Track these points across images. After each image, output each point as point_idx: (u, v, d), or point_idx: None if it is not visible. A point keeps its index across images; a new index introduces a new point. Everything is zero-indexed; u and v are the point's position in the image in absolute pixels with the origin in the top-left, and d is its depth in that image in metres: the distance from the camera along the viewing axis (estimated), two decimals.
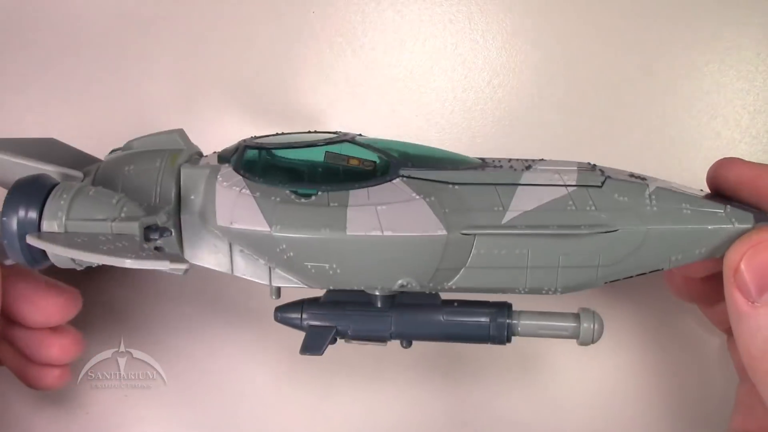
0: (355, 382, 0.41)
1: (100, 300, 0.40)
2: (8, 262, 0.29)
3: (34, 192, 0.26)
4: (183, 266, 0.26)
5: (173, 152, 0.30)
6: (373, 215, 0.27)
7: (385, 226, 0.26)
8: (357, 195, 0.27)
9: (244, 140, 0.29)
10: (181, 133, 0.31)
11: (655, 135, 0.41)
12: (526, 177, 0.28)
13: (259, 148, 0.29)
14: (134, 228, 0.26)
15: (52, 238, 0.26)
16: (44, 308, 0.32)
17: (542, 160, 0.31)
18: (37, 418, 0.40)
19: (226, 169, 0.29)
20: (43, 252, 0.27)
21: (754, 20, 0.41)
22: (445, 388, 0.40)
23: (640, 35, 0.41)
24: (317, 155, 0.29)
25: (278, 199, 0.27)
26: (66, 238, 0.26)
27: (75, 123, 0.39)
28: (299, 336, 0.31)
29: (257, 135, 0.30)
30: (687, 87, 0.41)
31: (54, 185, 0.27)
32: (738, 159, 0.29)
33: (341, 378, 0.41)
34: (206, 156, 0.31)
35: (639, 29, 0.41)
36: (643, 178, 0.30)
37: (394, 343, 0.31)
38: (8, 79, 0.40)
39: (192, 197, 0.29)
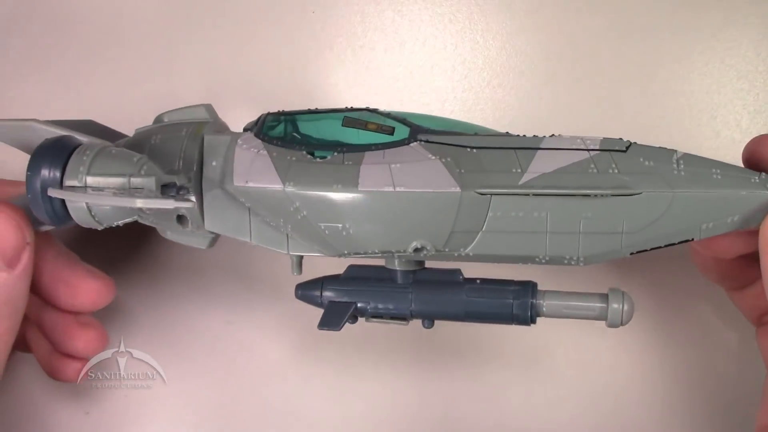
0: (365, 383, 0.41)
1: None
2: (43, 228, 0.30)
3: (58, 150, 0.28)
4: (188, 204, 0.28)
5: (199, 123, 0.30)
6: (386, 172, 0.26)
7: (397, 183, 0.26)
8: (372, 155, 0.27)
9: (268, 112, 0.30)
10: (208, 107, 0.32)
11: (655, 135, 0.41)
12: (547, 142, 0.27)
13: (281, 115, 0.30)
14: (150, 183, 0.27)
15: (71, 190, 0.27)
16: (80, 292, 0.33)
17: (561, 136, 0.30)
18: (37, 418, 0.40)
19: (247, 135, 0.29)
20: (66, 211, 0.28)
21: (754, 20, 0.41)
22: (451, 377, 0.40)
23: (640, 35, 0.41)
24: (337, 122, 0.29)
25: (294, 158, 0.27)
26: (84, 191, 0.27)
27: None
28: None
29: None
30: (687, 87, 0.41)
31: (78, 145, 0.28)
32: None
33: (346, 381, 0.41)
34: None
35: (639, 29, 0.41)
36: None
37: (414, 330, 0.31)
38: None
39: (213, 163, 0.29)
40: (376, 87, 0.40)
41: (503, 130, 0.30)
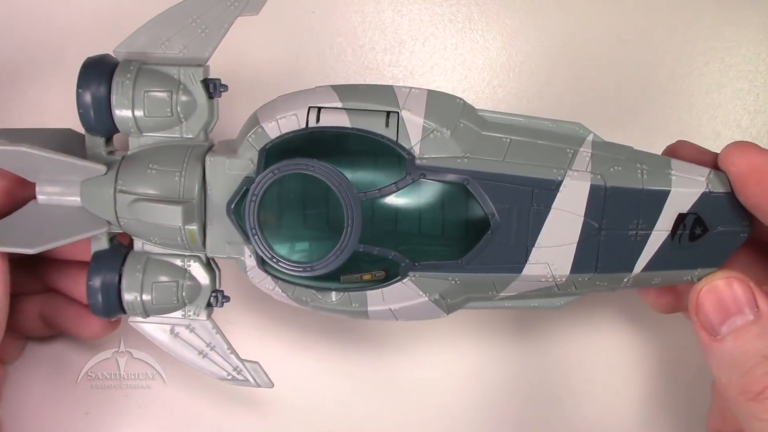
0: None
1: None
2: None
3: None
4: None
5: (187, 230, 0.31)
6: (389, 314, 0.31)
7: (398, 316, 0.31)
8: (373, 295, 0.30)
9: (257, 226, 0.30)
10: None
11: (655, 135, 0.41)
12: (522, 276, 0.30)
13: (277, 266, 0.30)
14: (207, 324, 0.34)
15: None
16: (88, 324, 0.36)
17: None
18: (37, 418, 0.40)
19: (252, 266, 0.31)
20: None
21: (754, 20, 0.41)
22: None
23: (640, 35, 0.41)
24: (333, 275, 0.30)
25: (308, 299, 0.31)
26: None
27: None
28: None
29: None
30: (687, 87, 0.41)
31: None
32: (752, 145, 0.29)
33: (348, 381, 0.41)
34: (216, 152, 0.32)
35: (639, 29, 0.41)
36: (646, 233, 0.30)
37: None
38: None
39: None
40: None
41: (458, 97, 0.30)
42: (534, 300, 0.32)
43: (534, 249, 0.29)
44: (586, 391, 0.41)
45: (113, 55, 0.32)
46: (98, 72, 0.31)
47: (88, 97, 0.30)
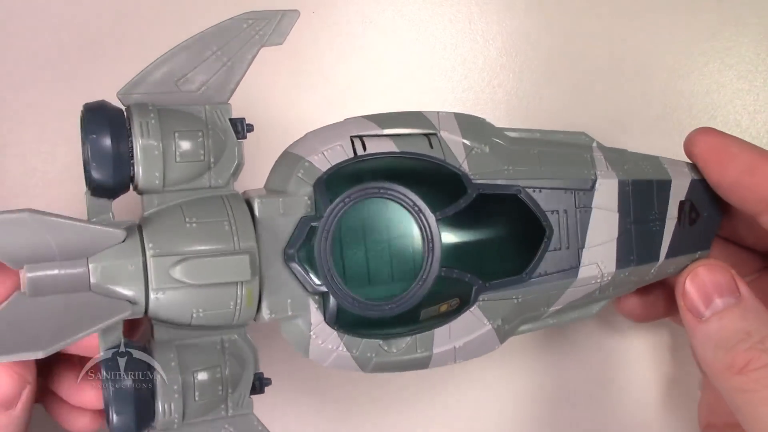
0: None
1: None
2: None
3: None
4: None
5: (247, 287, 0.26)
6: (450, 354, 0.29)
7: (458, 357, 0.29)
8: (441, 333, 0.29)
9: (331, 282, 0.27)
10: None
11: (655, 135, 0.41)
12: (577, 281, 0.30)
13: (358, 308, 0.28)
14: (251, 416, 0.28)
15: None
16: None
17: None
18: (37, 418, 0.40)
19: (319, 323, 0.27)
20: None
21: (754, 20, 0.41)
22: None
23: (640, 35, 0.41)
24: (414, 310, 0.28)
25: (373, 354, 0.28)
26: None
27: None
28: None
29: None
30: (687, 87, 0.41)
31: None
32: (711, 129, 0.32)
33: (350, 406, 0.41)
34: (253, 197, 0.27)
35: (638, 29, 0.41)
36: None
37: None
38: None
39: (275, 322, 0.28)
40: (375, 87, 0.40)
41: (481, 117, 0.31)
42: (573, 312, 0.32)
43: (584, 250, 0.30)
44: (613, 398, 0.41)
45: (119, 98, 0.27)
46: (111, 116, 0.26)
47: (103, 146, 0.25)
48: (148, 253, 0.25)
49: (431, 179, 0.28)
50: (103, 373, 0.25)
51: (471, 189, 0.28)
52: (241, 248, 0.25)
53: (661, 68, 0.41)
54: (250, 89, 0.39)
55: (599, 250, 0.31)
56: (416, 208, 0.28)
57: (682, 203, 0.32)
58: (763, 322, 0.28)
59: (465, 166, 0.29)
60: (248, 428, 0.27)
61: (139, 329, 0.29)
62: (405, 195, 0.28)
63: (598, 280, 0.31)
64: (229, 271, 0.25)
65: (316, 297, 0.27)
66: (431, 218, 0.28)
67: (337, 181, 0.27)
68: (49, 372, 0.31)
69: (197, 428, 0.27)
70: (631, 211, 0.31)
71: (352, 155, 0.27)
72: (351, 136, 0.28)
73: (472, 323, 0.29)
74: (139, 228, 0.26)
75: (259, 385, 0.28)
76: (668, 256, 0.32)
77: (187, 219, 0.26)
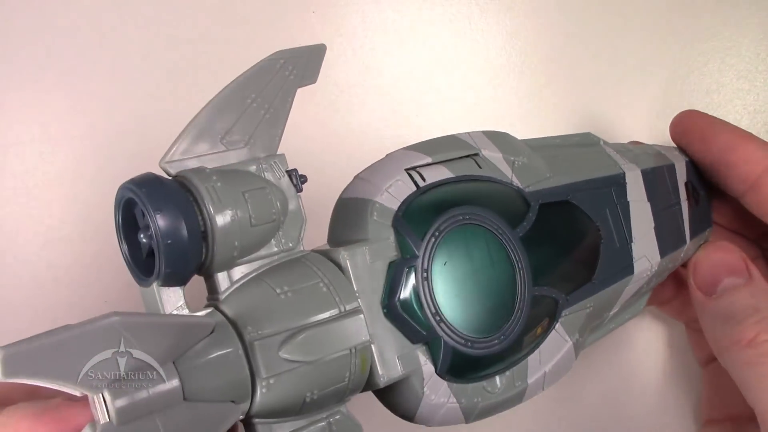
0: None
1: (102, 300, 0.40)
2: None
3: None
4: None
5: (360, 352, 0.23)
6: (540, 382, 0.27)
7: (546, 384, 0.27)
8: (533, 361, 0.27)
9: (449, 334, 0.25)
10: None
11: (655, 135, 0.41)
12: (634, 278, 0.30)
13: (471, 349, 0.25)
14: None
15: None
16: None
17: None
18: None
19: (431, 376, 0.25)
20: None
21: (754, 20, 0.41)
22: None
23: (640, 36, 0.41)
24: (519, 341, 0.27)
25: (479, 399, 0.26)
26: None
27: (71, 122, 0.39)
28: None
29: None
30: (687, 87, 0.41)
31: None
32: (695, 111, 0.34)
33: None
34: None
35: (638, 30, 0.41)
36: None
37: None
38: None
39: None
40: (376, 87, 0.40)
41: (503, 131, 0.30)
42: (626, 312, 0.32)
43: (633, 245, 0.30)
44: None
45: (163, 168, 0.23)
46: (169, 188, 0.21)
47: (176, 223, 0.21)
48: (247, 337, 0.21)
49: (496, 198, 0.27)
50: None
51: (533, 201, 0.27)
52: (348, 309, 0.23)
53: (661, 68, 0.41)
54: None
55: (644, 243, 0.31)
56: (500, 230, 0.26)
57: (686, 184, 0.33)
58: None
59: (515, 180, 0.28)
60: None
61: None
62: (488, 217, 0.26)
63: (649, 272, 0.31)
64: (347, 337, 0.22)
65: (423, 348, 0.24)
66: (515, 237, 0.26)
67: (414, 216, 0.25)
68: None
69: None
70: (657, 198, 0.32)
71: (414, 188, 0.25)
72: (406, 169, 0.26)
73: (557, 342, 0.28)
74: (224, 314, 0.22)
75: None
76: (691, 236, 0.33)
77: (277, 290, 0.22)
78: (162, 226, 0.20)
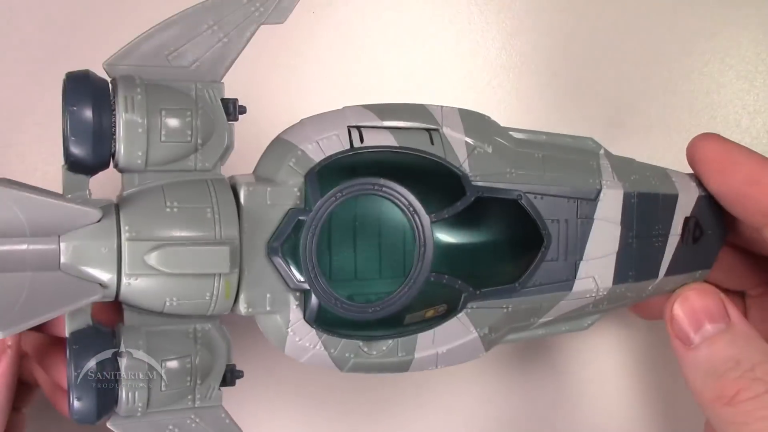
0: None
1: None
2: None
3: None
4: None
5: (225, 279, 0.25)
6: (432, 360, 0.28)
7: (439, 364, 0.28)
8: (424, 338, 0.28)
9: (314, 274, 0.26)
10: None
11: (656, 135, 0.41)
12: (570, 294, 0.29)
13: (341, 309, 0.27)
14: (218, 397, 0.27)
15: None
16: None
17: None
18: (38, 418, 0.40)
19: (297, 320, 0.26)
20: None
21: (754, 20, 0.41)
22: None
23: (640, 36, 0.41)
24: (399, 314, 0.27)
25: (352, 355, 0.27)
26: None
27: None
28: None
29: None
30: (687, 87, 0.41)
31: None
32: (714, 135, 0.31)
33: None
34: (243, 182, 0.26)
35: (638, 30, 0.41)
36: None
37: None
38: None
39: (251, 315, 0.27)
40: (375, 87, 0.40)
41: (485, 114, 0.30)
42: (564, 324, 0.31)
43: (582, 263, 0.29)
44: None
45: (105, 69, 0.25)
46: (94, 87, 0.24)
47: (84, 117, 0.24)
48: (124, 236, 0.24)
49: (429, 178, 0.27)
50: (68, 356, 0.24)
51: (470, 191, 0.27)
52: (223, 238, 0.24)
53: (661, 68, 0.41)
54: (250, 90, 0.39)
55: (597, 264, 0.29)
56: (411, 209, 0.27)
57: (686, 219, 0.31)
58: (755, 349, 0.28)
59: (466, 166, 0.27)
60: (215, 421, 0.26)
61: (109, 311, 0.27)
62: (401, 194, 0.26)
63: (593, 294, 0.30)
64: (207, 262, 0.24)
65: (297, 294, 0.26)
66: (426, 220, 0.27)
67: (331, 173, 0.26)
68: (47, 358, 0.30)
69: (161, 417, 0.25)
70: (635, 225, 0.30)
71: (348, 147, 0.26)
72: (348, 126, 0.26)
73: (458, 330, 0.28)
74: (117, 208, 0.24)
75: (231, 377, 0.27)
76: (668, 273, 0.31)
77: (168, 203, 0.24)
78: (71, 120, 0.24)
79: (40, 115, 0.40)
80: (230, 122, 0.26)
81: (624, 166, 0.30)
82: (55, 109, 0.39)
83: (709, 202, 0.31)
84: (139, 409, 0.25)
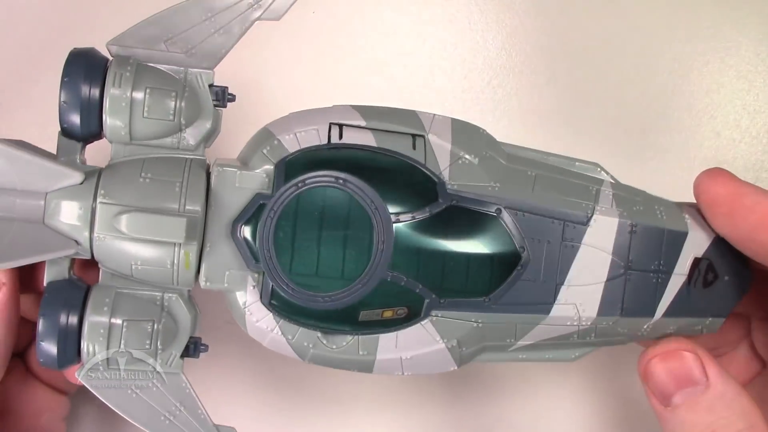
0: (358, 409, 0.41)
1: None
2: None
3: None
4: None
5: (184, 250, 0.26)
6: (397, 364, 0.28)
7: (406, 370, 0.28)
8: (386, 340, 0.28)
9: (268, 250, 0.27)
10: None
11: (656, 135, 0.41)
12: (549, 318, 0.28)
13: (292, 296, 0.27)
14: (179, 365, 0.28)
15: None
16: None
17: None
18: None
19: (254, 301, 0.27)
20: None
21: (754, 20, 0.41)
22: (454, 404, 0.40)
23: (640, 35, 0.41)
24: (354, 309, 0.27)
25: (311, 345, 0.28)
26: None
27: None
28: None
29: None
30: (687, 87, 0.41)
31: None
32: (722, 173, 0.29)
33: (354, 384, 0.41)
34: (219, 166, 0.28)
35: (638, 29, 0.41)
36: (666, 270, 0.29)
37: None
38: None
39: (214, 291, 0.28)
40: (376, 87, 0.40)
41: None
42: (549, 351, 0.29)
43: (563, 287, 0.28)
44: None
45: (108, 48, 0.28)
46: (90, 63, 0.27)
47: (76, 88, 0.26)
48: (99, 198, 0.26)
49: (403, 181, 0.27)
50: (42, 303, 0.26)
51: (443, 199, 0.27)
52: (185, 211, 0.26)
53: (661, 68, 0.41)
54: (251, 90, 0.39)
55: (581, 291, 0.28)
56: (373, 205, 0.26)
57: (697, 260, 0.29)
58: (735, 413, 0.26)
59: (446, 174, 0.27)
60: (176, 387, 0.28)
61: (92, 271, 0.29)
62: (362, 190, 0.26)
63: (575, 323, 0.28)
64: (164, 231, 0.26)
65: (256, 275, 0.27)
66: (387, 217, 0.26)
67: (301, 165, 0.27)
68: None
69: (124, 375, 0.27)
70: (630, 256, 0.28)
71: (325, 142, 0.27)
72: (330, 123, 0.27)
73: (422, 337, 0.28)
74: (99, 174, 0.27)
75: (194, 349, 0.28)
76: (667, 314, 0.29)
77: (143, 174, 0.26)
78: (64, 90, 0.27)
79: (40, 116, 0.40)
80: (217, 108, 0.28)
81: (629, 197, 0.29)
82: (55, 109, 0.39)
83: (728, 246, 0.29)
84: (100, 363, 0.27)
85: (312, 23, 0.40)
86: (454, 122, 0.28)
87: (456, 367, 0.28)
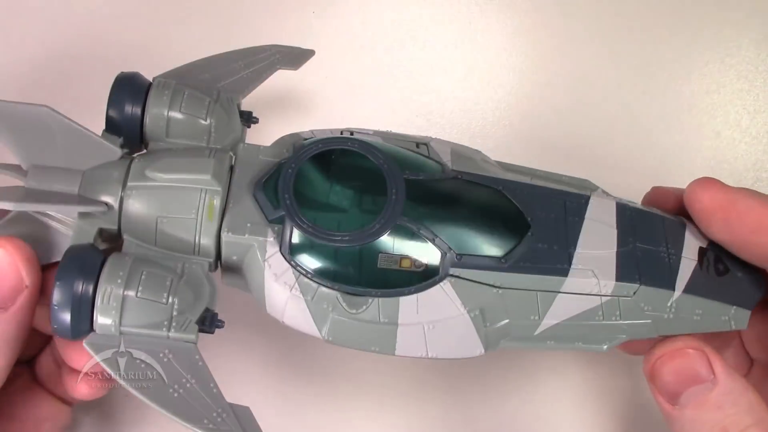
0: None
1: None
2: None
3: (87, 268, 0.26)
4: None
5: (209, 196, 0.28)
6: (420, 338, 0.27)
7: (430, 349, 0.28)
8: (407, 305, 0.27)
9: (288, 201, 0.28)
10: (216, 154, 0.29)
11: (656, 135, 0.41)
12: (568, 284, 0.28)
13: (311, 233, 0.27)
14: (192, 338, 0.27)
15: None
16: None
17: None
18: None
19: (274, 252, 0.27)
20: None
21: (754, 20, 0.41)
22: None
23: (640, 36, 0.41)
24: (372, 253, 0.28)
25: (330, 307, 0.27)
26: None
27: None
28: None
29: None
30: (687, 87, 0.41)
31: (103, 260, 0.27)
32: (713, 182, 0.29)
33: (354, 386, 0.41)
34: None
35: (639, 30, 0.41)
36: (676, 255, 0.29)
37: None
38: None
39: (234, 258, 0.28)
40: (376, 87, 0.40)
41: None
42: (578, 341, 0.29)
43: (576, 253, 0.28)
44: None
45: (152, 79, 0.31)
46: (132, 85, 0.30)
47: (126, 86, 0.30)
48: (134, 162, 0.28)
49: (411, 163, 0.29)
50: (59, 268, 0.26)
51: (448, 174, 0.29)
52: (212, 151, 0.29)
53: (661, 68, 0.41)
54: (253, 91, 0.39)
55: (595, 256, 0.28)
56: (386, 165, 0.28)
57: (702, 249, 0.29)
58: (743, 410, 0.26)
59: (449, 164, 0.29)
60: (187, 359, 0.26)
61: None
62: (378, 151, 0.29)
63: (596, 291, 0.28)
64: (194, 167, 0.27)
65: (276, 228, 0.27)
66: (398, 176, 0.28)
67: (313, 141, 0.29)
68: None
69: (136, 342, 0.26)
70: (636, 232, 0.29)
71: (338, 134, 0.30)
72: (342, 130, 0.30)
73: (443, 302, 0.27)
74: (133, 159, 0.29)
75: (210, 323, 0.27)
76: (688, 291, 0.29)
77: (174, 149, 0.29)
78: (109, 104, 0.30)
79: None
80: (243, 126, 0.31)
81: (621, 198, 0.30)
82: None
83: (726, 252, 0.30)
84: (113, 330, 0.26)
85: (312, 23, 0.40)
86: (453, 145, 0.31)
87: (483, 351, 0.28)
